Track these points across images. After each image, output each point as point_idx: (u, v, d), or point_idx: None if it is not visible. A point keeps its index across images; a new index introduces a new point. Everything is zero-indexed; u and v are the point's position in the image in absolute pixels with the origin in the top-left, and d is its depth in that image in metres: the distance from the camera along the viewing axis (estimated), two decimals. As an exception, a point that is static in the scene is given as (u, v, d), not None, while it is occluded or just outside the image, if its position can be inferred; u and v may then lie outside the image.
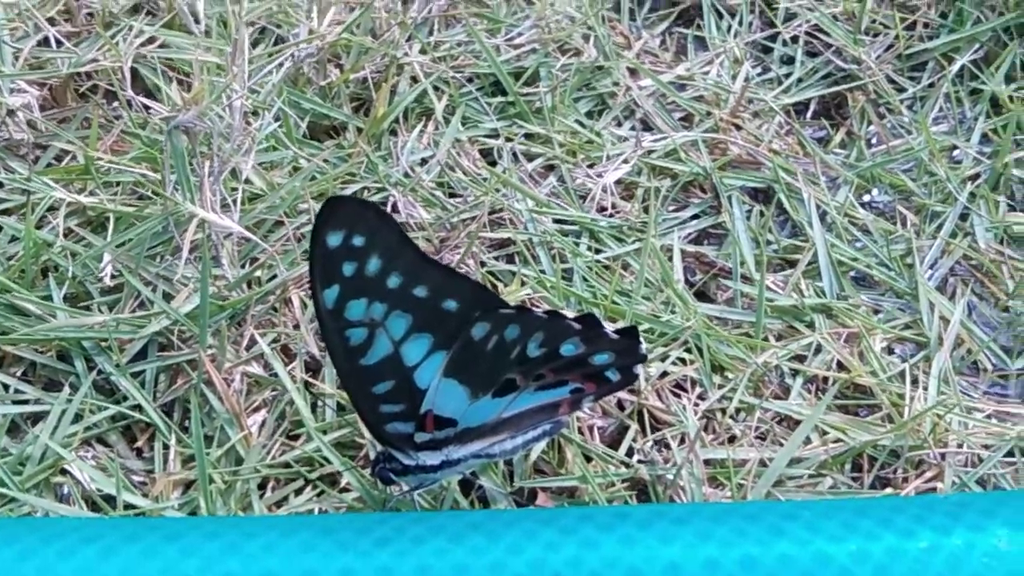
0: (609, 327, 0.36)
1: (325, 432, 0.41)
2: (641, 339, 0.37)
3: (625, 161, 0.52)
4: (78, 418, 0.41)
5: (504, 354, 0.36)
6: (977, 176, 0.54)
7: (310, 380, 0.42)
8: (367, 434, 0.41)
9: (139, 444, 0.42)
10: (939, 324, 0.47)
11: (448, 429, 0.37)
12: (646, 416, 0.42)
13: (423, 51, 0.55)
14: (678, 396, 0.43)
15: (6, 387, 0.42)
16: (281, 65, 0.47)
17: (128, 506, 0.39)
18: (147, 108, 0.49)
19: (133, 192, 0.47)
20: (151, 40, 0.50)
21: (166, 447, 0.41)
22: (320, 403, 0.42)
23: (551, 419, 0.38)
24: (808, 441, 0.42)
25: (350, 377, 0.36)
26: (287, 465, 0.41)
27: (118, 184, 0.47)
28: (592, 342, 0.37)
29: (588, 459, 0.41)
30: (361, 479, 0.40)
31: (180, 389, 0.42)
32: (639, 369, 0.38)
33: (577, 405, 0.38)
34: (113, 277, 0.44)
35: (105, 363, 0.42)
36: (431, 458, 0.37)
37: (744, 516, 0.34)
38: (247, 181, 0.46)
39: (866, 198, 0.53)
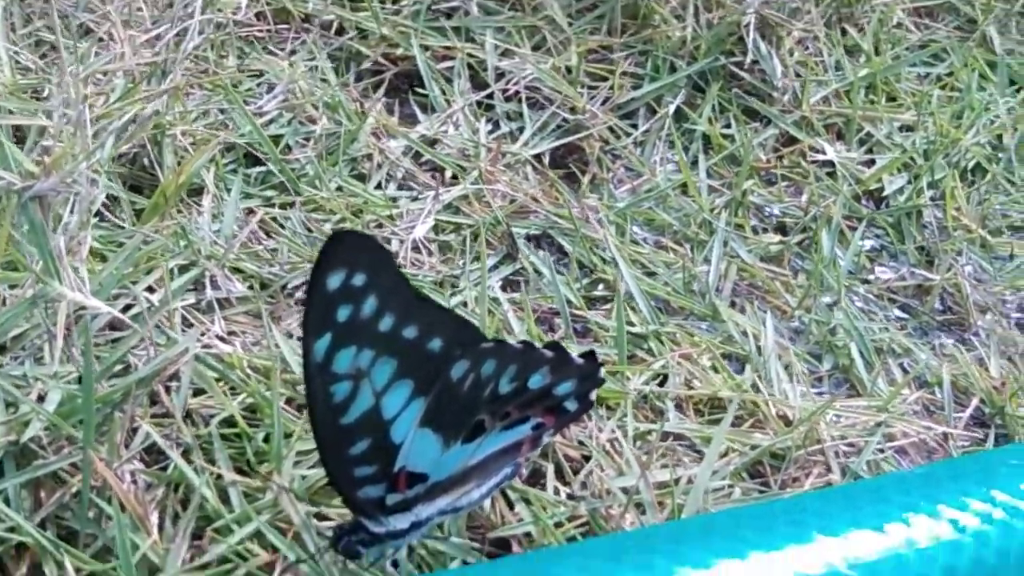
0: (574, 354, 0.35)
1: (241, 523, 0.36)
2: (600, 363, 0.36)
3: (428, 214, 0.50)
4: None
5: (478, 393, 0.34)
6: (715, 208, 0.57)
7: (211, 467, 0.37)
8: (295, 515, 0.36)
9: (16, 575, 0.35)
10: (752, 337, 0.49)
11: (418, 486, 0.34)
12: (560, 455, 0.41)
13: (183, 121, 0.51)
14: (580, 432, 0.42)
15: None
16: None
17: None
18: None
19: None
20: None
21: (57, 569, 0.35)
22: (214, 494, 0.37)
23: (513, 460, 0.36)
24: (700, 455, 0.43)
25: (328, 440, 0.33)
26: (204, 567, 0.36)
27: None
28: (559, 371, 0.35)
29: (527, 503, 0.39)
30: (312, 564, 0.36)
31: (52, 503, 0.36)
32: (595, 395, 0.37)
33: (537, 442, 0.37)
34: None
35: (-50, 486, 0.35)
36: (401, 521, 0.35)
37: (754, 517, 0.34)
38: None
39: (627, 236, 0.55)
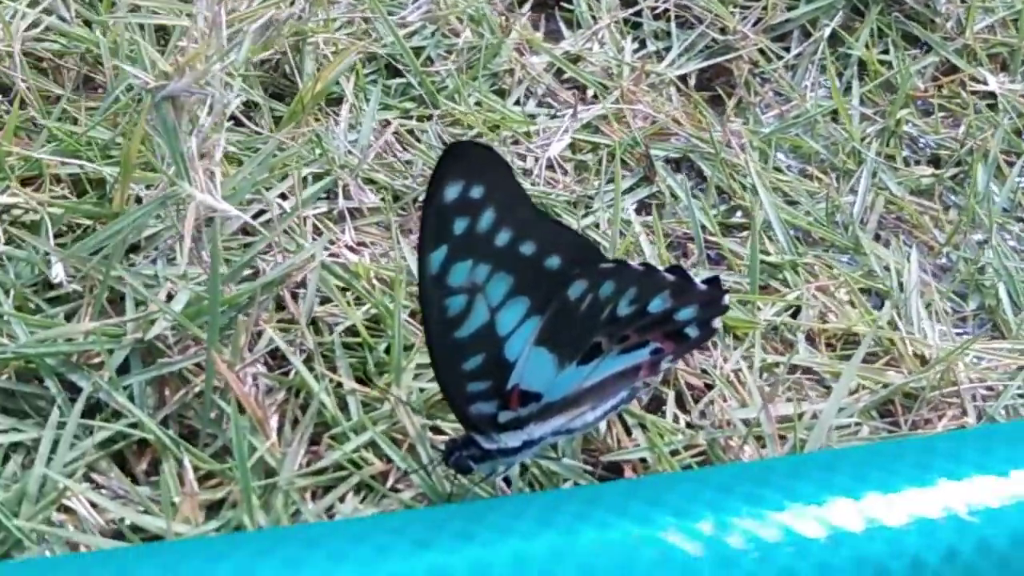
0: (697, 279, 0.35)
1: (357, 432, 0.37)
2: (725, 289, 0.35)
3: (565, 132, 0.50)
4: (75, 443, 0.35)
5: (596, 314, 0.33)
6: (866, 137, 0.55)
7: (330, 375, 0.38)
8: (411, 427, 0.37)
9: (136, 469, 0.36)
10: (894, 272, 0.47)
11: (532, 405, 0.34)
12: (682, 383, 0.40)
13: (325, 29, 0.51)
14: (705, 361, 0.41)
15: (-46, 420, 0.35)
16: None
17: (153, 536, 0.33)
18: (56, 97, 0.42)
19: (49, 191, 0.41)
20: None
21: (177, 466, 0.35)
22: (333, 401, 0.37)
23: (630, 385, 0.36)
24: (828, 390, 0.41)
25: (442, 354, 0.32)
26: (321, 471, 0.36)
27: (29, 181, 0.41)
28: (680, 296, 0.34)
29: (643, 428, 0.39)
30: (421, 475, 0.36)
31: (175, 402, 0.37)
32: (718, 323, 0.36)
33: (656, 367, 0.36)
34: (67, 282, 0.37)
35: (82, 381, 0.36)
36: (513, 439, 0.34)
37: (889, 456, 0.32)
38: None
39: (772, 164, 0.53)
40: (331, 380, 0.37)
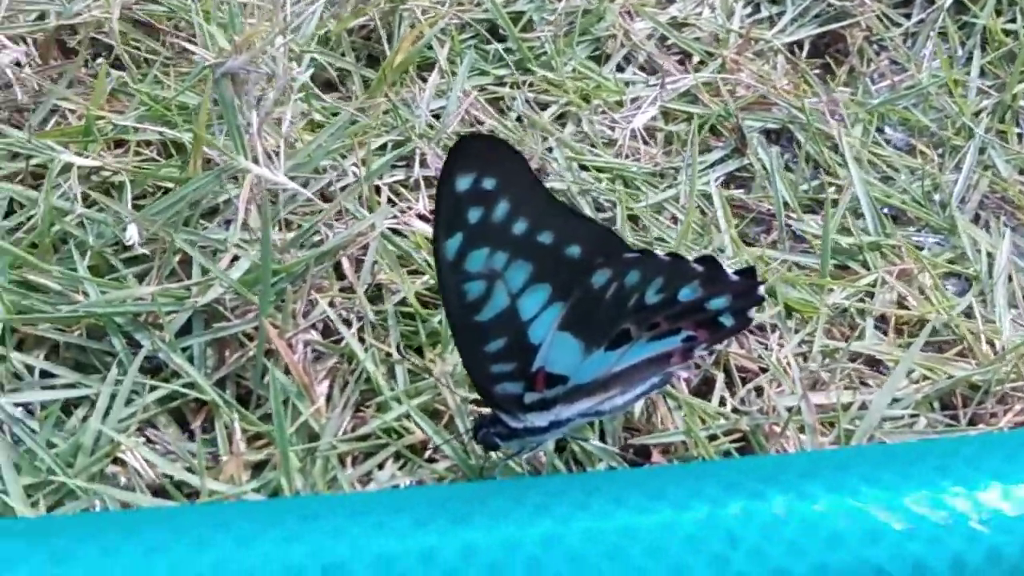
0: (729, 269, 0.34)
1: (401, 401, 0.38)
2: (760, 280, 0.35)
3: (651, 104, 0.49)
4: (133, 400, 0.37)
5: (622, 302, 0.34)
6: (982, 110, 0.53)
7: (378, 345, 0.39)
8: (453, 399, 0.38)
9: (193, 426, 0.38)
10: (985, 257, 0.46)
11: (558, 387, 0.34)
12: (732, 365, 0.40)
13: (418, -5, 0.52)
14: (759, 343, 0.41)
15: (31, 371, 0.38)
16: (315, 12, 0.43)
17: (194, 492, 0.35)
18: (147, 61, 0.44)
19: (137, 154, 0.43)
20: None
21: (228, 427, 0.37)
22: (385, 370, 0.39)
23: (661, 371, 0.36)
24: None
25: (463, 336, 0.33)
26: (364, 438, 0.37)
27: (119, 145, 0.43)
28: (711, 285, 0.34)
29: (682, 411, 0.39)
30: (455, 448, 0.37)
31: (234, 364, 0.38)
32: (754, 313, 0.36)
33: (689, 355, 0.36)
34: (141, 245, 0.40)
35: (145, 340, 0.38)
36: (539, 419, 0.35)
37: (905, 459, 0.32)
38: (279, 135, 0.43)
39: (878, 136, 0.52)
40: (378, 349, 0.39)
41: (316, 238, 0.41)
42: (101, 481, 0.36)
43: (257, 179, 0.38)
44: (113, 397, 0.37)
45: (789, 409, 0.38)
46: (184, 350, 0.38)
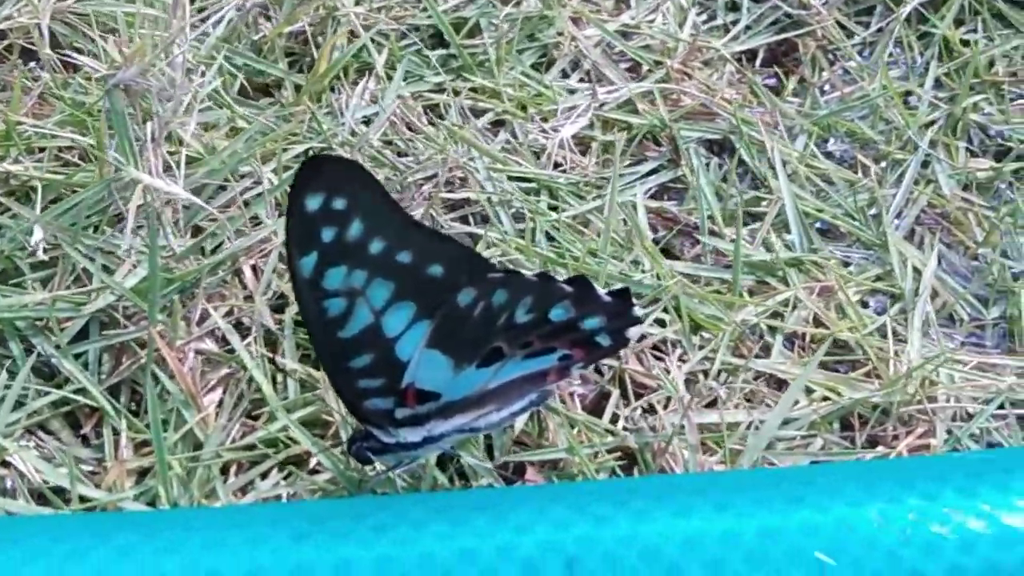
0: (602, 290, 0.34)
1: (290, 411, 0.38)
2: (634, 301, 0.35)
3: (581, 114, 0.49)
4: (18, 405, 0.38)
5: (491, 321, 0.34)
6: (933, 122, 0.52)
7: (269, 355, 0.39)
8: (339, 411, 0.38)
9: (85, 431, 0.38)
10: (912, 274, 0.46)
11: (430, 403, 0.34)
12: (628, 381, 0.40)
13: (357, 2, 0.52)
14: (661, 359, 0.41)
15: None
16: (221, 19, 0.44)
17: (81, 499, 0.36)
18: (74, 67, 0.45)
19: (57, 159, 0.44)
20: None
21: (116, 433, 0.38)
22: (281, 379, 0.39)
23: (538, 389, 0.36)
24: (795, 401, 0.40)
25: (327, 351, 0.33)
26: (250, 447, 0.38)
27: (42, 151, 0.44)
28: (583, 305, 0.34)
29: (571, 428, 0.39)
30: (335, 460, 0.37)
31: (126, 370, 0.39)
32: (632, 333, 0.35)
33: (565, 373, 0.36)
34: (46, 251, 0.40)
35: (43, 344, 0.39)
36: (412, 435, 0.35)
37: (762, 484, 0.32)
38: (180, 143, 0.43)
39: (822, 148, 0.52)
40: (269, 359, 0.39)
41: (226, 246, 0.42)
42: (-15, 483, 0.36)
43: (149, 189, 0.38)
44: (2, 400, 0.37)
45: (681, 427, 0.38)
46: (80, 356, 0.39)
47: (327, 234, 0.31)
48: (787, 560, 0.30)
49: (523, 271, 0.34)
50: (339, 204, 0.31)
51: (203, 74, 0.43)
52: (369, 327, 0.33)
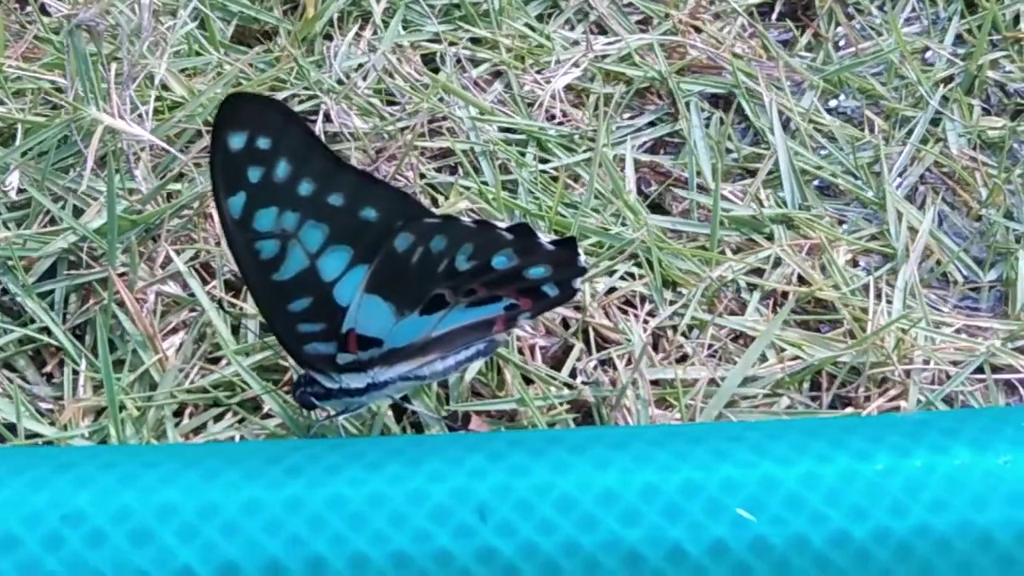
0: (545, 238, 0.34)
1: (247, 355, 0.38)
2: (580, 250, 0.34)
3: (576, 65, 0.49)
4: (-20, 342, 0.38)
5: (431, 268, 0.33)
6: (951, 79, 0.51)
7: (231, 300, 0.39)
8: (290, 357, 0.38)
9: (49, 369, 0.39)
10: (907, 234, 0.44)
11: (373, 349, 0.34)
12: (592, 335, 0.40)
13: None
14: (626, 313, 0.40)
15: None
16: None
17: (33, 435, 0.36)
18: (43, 9, 0.45)
19: (46, 102, 0.44)
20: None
21: (76, 372, 0.38)
22: (242, 324, 0.39)
23: (485, 338, 0.35)
24: (764, 359, 0.39)
25: (263, 294, 0.33)
26: (205, 390, 0.38)
27: (30, 93, 0.44)
28: (526, 254, 0.34)
29: (529, 381, 0.38)
30: (284, 404, 0.37)
31: (92, 310, 0.39)
32: (579, 283, 0.35)
33: (512, 323, 0.35)
34: (20, 192, 0.41)
35: (10, 283, 0.39)
36: (356, 381, 0.35)
37: (687, 439, 0.31)
38: (166, 88, 0.43)
39: (832, 103, 0.50)
40: (220, 303, 0.39)
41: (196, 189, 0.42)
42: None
43: (111, 131, 0.38)
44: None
45: (627, 383, 0.38)
46: (47, 295, 0.39)
47: (253, 174, 0.31)
48: (706, 515, 0.29)
49: (464, 217, 0.33)
50: (263, 143, 0.30)
51: (174, 15, 0.43)
52: (305, 270, 0.32)
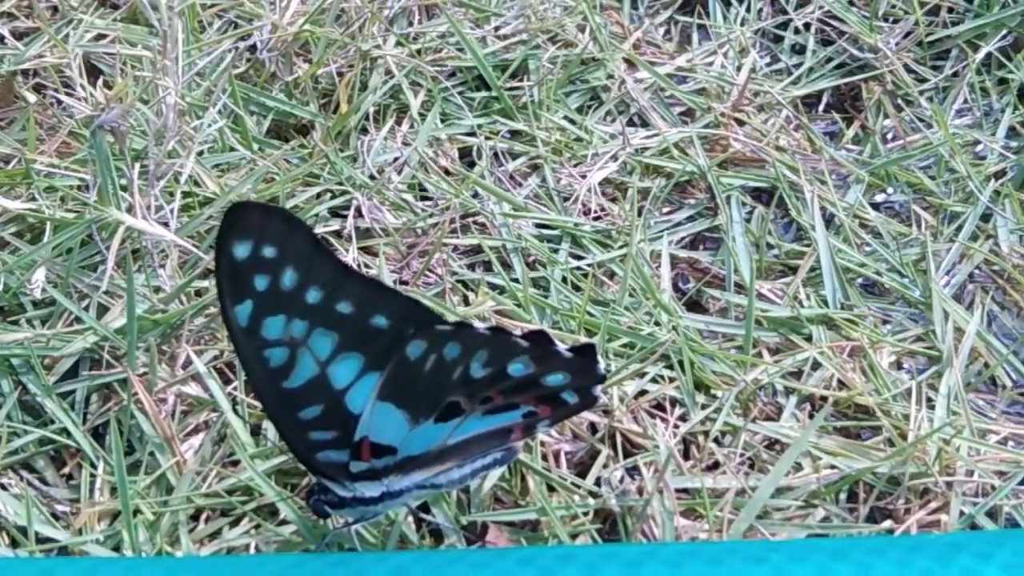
0: (562, 345, 0.33)
1: (266, 458, 0.37)
2: (599, 357, 0.33)
3: (613, 159, 0.48)
4: (-1, 442, 0.38)
5: (445, 375, 0.32)
6: (1003, 173, 0.49)
7: (252, 401, 0.39)
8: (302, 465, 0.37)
9: (68, 470, 0.38)
10: (953, 336, 0.43)
11: (387, 457, 0.33)
12: (619, 439, 0.38)
13: (399, 43, 0.51)
14: (655, 418, 0.39)
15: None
16: (231, 52, 0.44)
17: (46, 539, 0.36)
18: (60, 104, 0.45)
19: (76, 199, 0.44)
20: (102, 36, 0.47)
21: (93, 475, 0.37)
22: (263, 426, 0.38)
23: (503, 446, 0.34)
24: (799, 468, 0.38)
25: (273, 402, 0.32)
26: (221, 495, 0.37)
27: (61, 189, 0.44)
28: (543, 361, 0.33)
29: (552, 488, 0.37)
30: (299, 512, 0.36)
31: (111, 411, 0.39)
32: (598, 390, 0.34)
33: (531, 430, 0.34)
34: (45, 290, 0.40)
35: (31, 382, 0.39)
36: (370, 489, 0.34)
37: (705, 560, 0.30)
38: (197, 184, 0.43)
39: (880, 198, 0.49)
40: (234, 404, 0.38)
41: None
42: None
43: (133, 231, 0.38)
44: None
45: (652, 493, 0.36)
46: (68, 395, 0.39)
47: (260, 282, 0.30)
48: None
49: (477, 323, 0.32)
50: (269, 252, 0.30)
51: (198, 116, 0.43)
52: (315, 378, 0.32)
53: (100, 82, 0.44)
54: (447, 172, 0.47)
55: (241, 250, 0.30)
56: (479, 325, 0.32)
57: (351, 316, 0.31)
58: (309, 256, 0.30)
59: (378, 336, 0.31)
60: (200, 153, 0.42)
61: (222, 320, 0.31)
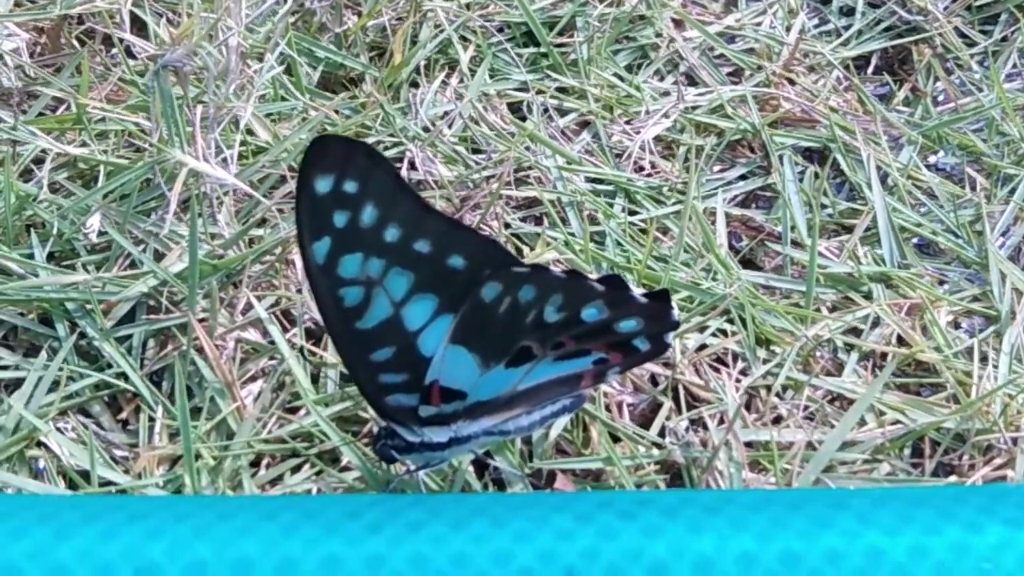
0: (637, 291, 0.32)
1: (326, 404, 0.37)
2: (673, 303, 0.32)
3: (666, 116, 0.47)
4: (57, 386, 0.37)
5: (518, 319, 0.32)
6: (1053, 137, 0.49)
7: (312, 348, 0.38)
8: (371, 408, 0.37)
9: (125, 415, 0.38)
10: (1012, 296, 0.42)
11: (456, 402, 0.33)
12: (682, 393, 0.38)
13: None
14: (718, 371, 0.39)
15: (-16, 352, 0.39)
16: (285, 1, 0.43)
17: (106, 483, 0.35)
18: (129, 51, 0.45)
19: (129, 144, 0.44)
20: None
21: (152, 419, 0.37)
22: (322, 373, 0.38)
23: (572, 393, 0.34)
24: (863, 423, 0.38)
25: (345, 342, 0.32)
26: (283, 440, 0.37)
27: (113, 135, 0.44)
28: (617, 307, 0.32)
29: (616, 439, 0.37)
30: (363, 457, 0.36)
31: (170, 356, 0.38)
32: (671, 338, 0.33)
33: (601, 377, 0.34)
34: (101, 234, 0.40)
35: (89, 327, 0.39)
36: (438, 434, 0.33)
37: (785, 505, 0.29)
38: (250, 133, 0.42)
39: (931, 159, 0.49)
40: (301, 351, 0.38)
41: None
42: (20, 464, 0.36)
43: (195, 174, 0.38)
44: (39, 380, 0.37)
45: (720, 445, 0.36)
46: (125, 339, 0.39)
47: (339, 218, 0.30)
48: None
49: (553, 268, 0.32)
50: (350, 187, 0.29)
51: (261, 59, 0.42)
52: (389, 319, 0.31)
53: (163, 21, 0.44)
54: (490, 127, 0.47)
55: (323, 184, 0.29)
56: (554, 269, 0.32)
57: (428, 256, 0.30)
58: (390, 193, 0.30)
59: (454, 277, 0.31)
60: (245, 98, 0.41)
61: (299, 256, 0.31)
